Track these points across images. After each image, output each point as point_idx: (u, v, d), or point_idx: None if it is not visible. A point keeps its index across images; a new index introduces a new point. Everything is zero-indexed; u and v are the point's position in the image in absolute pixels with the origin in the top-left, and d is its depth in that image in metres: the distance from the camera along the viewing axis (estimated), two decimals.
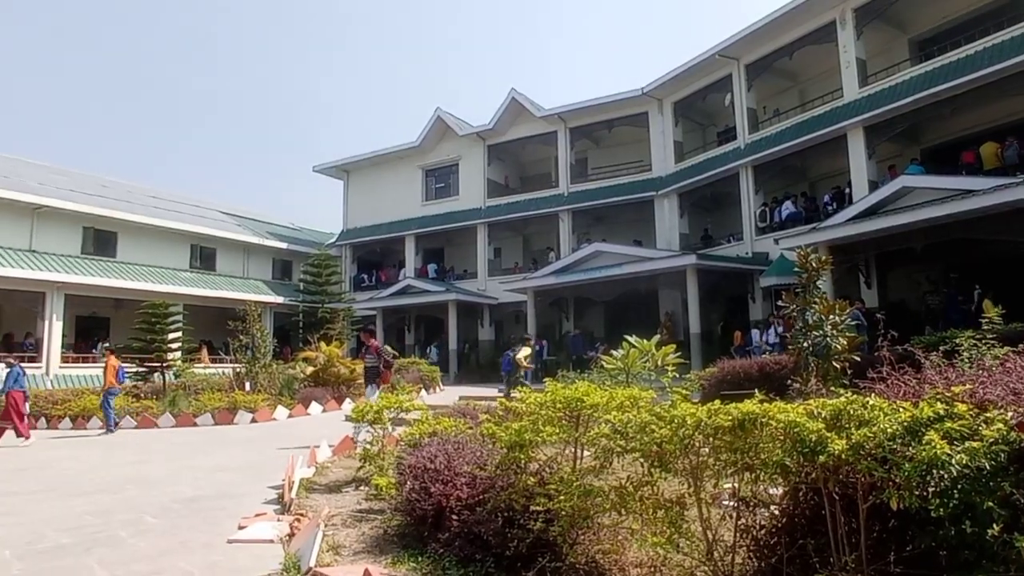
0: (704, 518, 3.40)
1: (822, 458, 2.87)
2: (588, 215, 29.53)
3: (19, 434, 12.81)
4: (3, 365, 14.04)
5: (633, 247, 24.39)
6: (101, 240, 29.78)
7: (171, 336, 20.26)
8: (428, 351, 27.57)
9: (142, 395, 17.89)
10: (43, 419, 16.25)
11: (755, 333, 19.82)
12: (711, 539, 3.38)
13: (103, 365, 15.25)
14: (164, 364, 19.49)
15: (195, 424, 14.27)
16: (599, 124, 29.21)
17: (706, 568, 3.41)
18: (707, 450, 3.40)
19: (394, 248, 35.39)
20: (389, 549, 4.71)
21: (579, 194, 29.28)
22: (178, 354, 20.10)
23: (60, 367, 26.05)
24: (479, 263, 31.87)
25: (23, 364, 15.57)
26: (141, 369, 20.39)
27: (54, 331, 26.25)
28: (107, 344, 17.06)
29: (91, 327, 29.99)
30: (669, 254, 23.21)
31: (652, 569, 3.70)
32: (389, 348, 18.36)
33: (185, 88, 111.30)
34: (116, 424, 14.44)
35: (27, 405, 13.36)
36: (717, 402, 3.45)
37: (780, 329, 18.02)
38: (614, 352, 8.42)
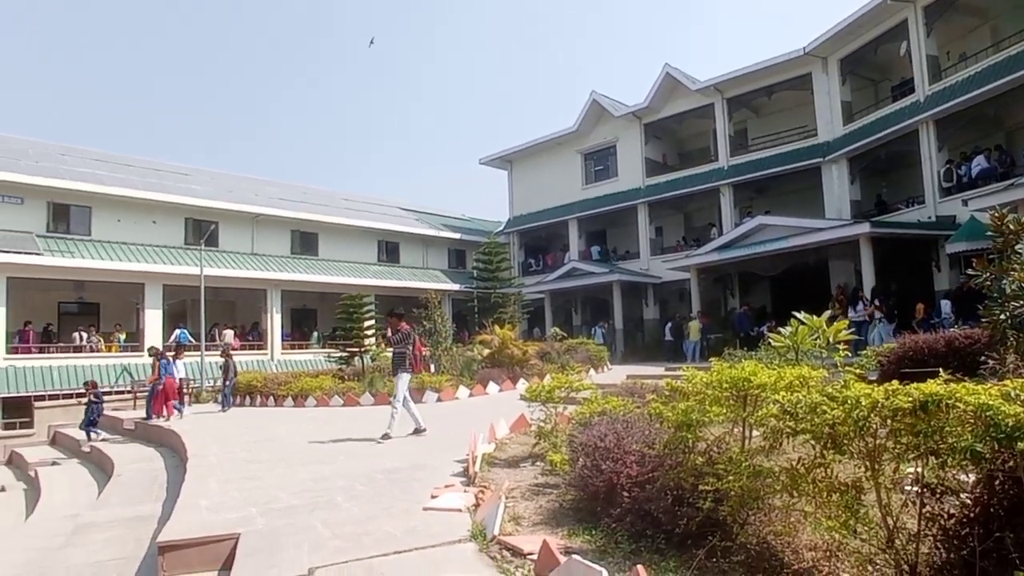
0: (883, 504, 3.16)
1: (1021, 445, 2.58)
2: (750, 188, 27.98)
3: (160, 414, 14.44)
4: (163, 359, 15.49)
5: (799, 218, 22.75)
6: (306, 241, 32.56)
7: (366, 324, 21.68)
8: (593, 332, 27.32)
9: (346, 377, 19.35)
10: (271, 398, 18.11)
11: (945, 304, 17.59)
12: (892, 526, 3.15)
13: (313, 348, 16.39)
14: (362, 349, 20.93)
15: (390, 403, 15.21)
16: (758, 91, 27.37)
17: (887, 556, 3.18)
18: (885, 432, 3.16)
19: (558, 232, 35.57)
20: (564, 522, 4.80)
21: (740, 166, 27.74)
22: (373, 340, 21.45)
23: (282, 353, 28.92)
24: (641, 243, 31.27)
25: (253, 351, 17.30)
26: (343, 354, 22.03)
27: (275, 322, 29.14)
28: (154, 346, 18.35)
29: (303, 318, 32.98)
30: (839, 223, 21.37)
31: (827, 554, 3.50)
32: (496, 338, 18.21)
33: (363, 98, 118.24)
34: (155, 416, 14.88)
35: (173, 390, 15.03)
36: (895, 382, 3.20)
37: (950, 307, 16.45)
38: (782, 329, 7.97)
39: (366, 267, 33.74)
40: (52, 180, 25.26)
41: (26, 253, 23.06)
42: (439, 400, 14.93)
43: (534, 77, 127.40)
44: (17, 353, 23.20)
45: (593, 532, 4.40)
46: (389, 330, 10.57)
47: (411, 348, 10.21)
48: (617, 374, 17.57)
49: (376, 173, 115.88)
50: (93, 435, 14.46)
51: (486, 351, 18.58)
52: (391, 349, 10.63)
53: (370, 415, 13.35)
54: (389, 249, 36.11)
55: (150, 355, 16.00)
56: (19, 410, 20.91)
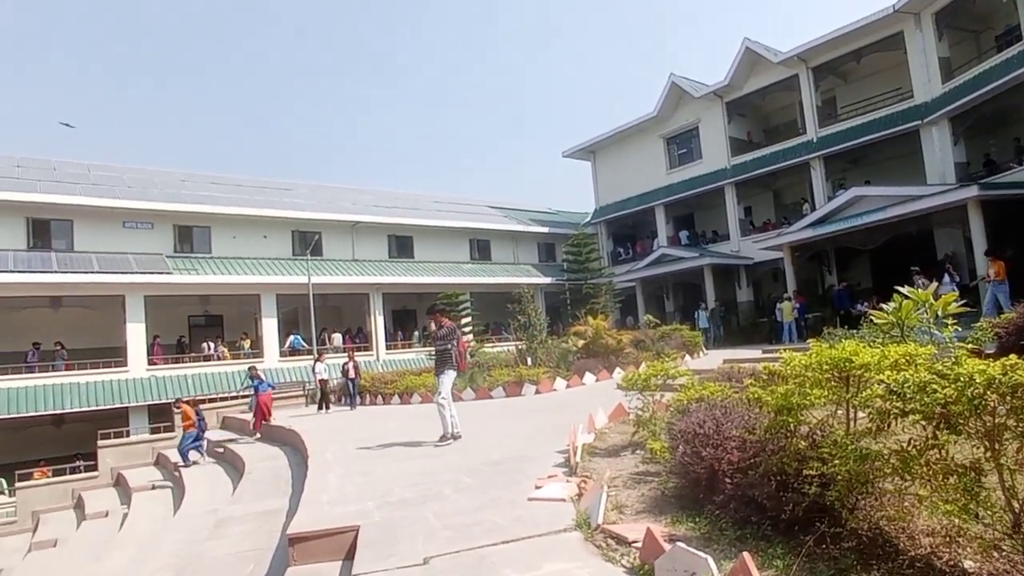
0: (1007, 486, 2.96)
1: None
2: (842, 159, 26.56)
3: (260, 428, 15.10)
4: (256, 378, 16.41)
5: (899, 186, 21.34)
6: (401, 244, 33.45)
7: (463, 321, 22.04)
8: (696, 315, 26.30)
9: None
10: (379, 396, 18.73)
11: None
12: (1018, 509, 2.94)
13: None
14: None
15: (490, 396, 15.42)
16: (845, 57, 25.77)
17: (1014, 542, 2.97)
18: (1004, 411, 2.95)
19: (645, 220, 34.98)
20: (667, 509, 4.73)
21: (830, 137, 26.31)
22: (471, 336, 21.77)
23: (386, 353, 29.86)
24: (730, 224, 30.31)
25: (359, 353, 17.98)
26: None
27: (378, 323, 30.12)
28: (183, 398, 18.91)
29: (403, 318, 33.92)
30: (943, 188, 19.82)
31: (947, 539, 3.30)
32: (589, 328, 17.86)
33: (454, 100, 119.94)
34: (187, 461, 15.02)
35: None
36: (1013, 356, 2.98)
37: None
38: (884, 305, 7.53)
39: (459, 266, 34.30)
40: (177, 205, 27.13)
41: (158, 273, 24.87)
42: (537, 392, 14.99)
43: (611, 68, 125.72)
44: (154, 365, 25.00)
45: (696, 519, 4.32)
46: (433, 325, 9.92)
47: (455, 344, 9.56)
48: (713, 359, 17.11)
49: (462, 174, 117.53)
50: (194, 455, 15.06)
51: (581, 342, 18.51)
52: (434, 347, 9.92)
53: (473, 409, 13.57)
54: (480, 247, 36.55)
55: (249, 376, 16.93)
56: (161, 415, 22.54)
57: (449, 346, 9.44)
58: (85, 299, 24.23)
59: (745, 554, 2.94)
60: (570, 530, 4.54)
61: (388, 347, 30.58)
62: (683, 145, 33.13)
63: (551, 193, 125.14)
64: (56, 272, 23.11)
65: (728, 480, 4.28)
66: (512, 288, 24.48)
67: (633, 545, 3.95)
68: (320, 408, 17.68)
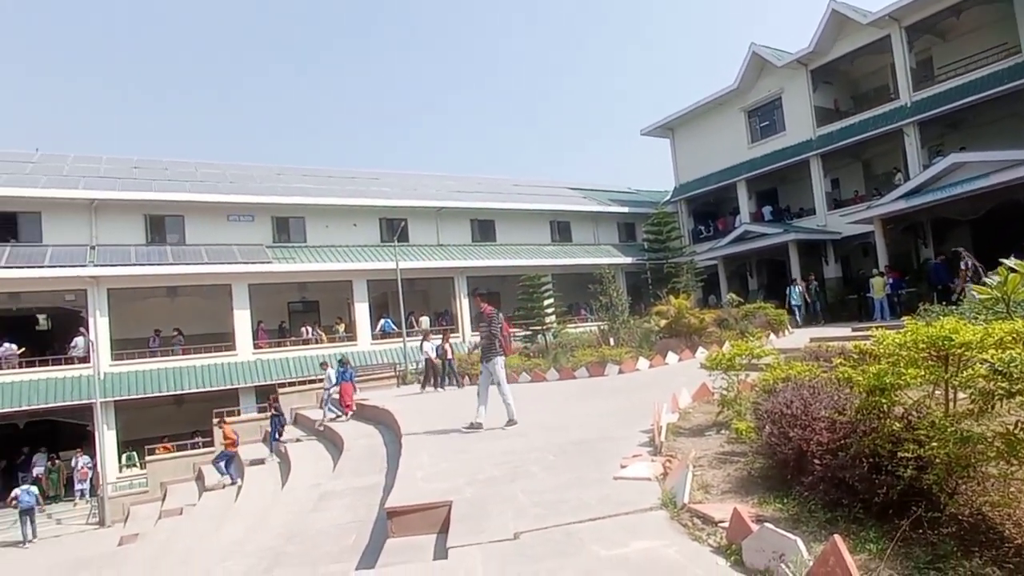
0: None
1: None
2: (939, 124, 24.79)
3: (347, 413, 15.58)
4: (336, 365, 16.80)
5: (1005, 151, 19.64)
6: (484, 228, 33.75)
7: (546, 303, 22.08)
8: (788, 292, 24.53)
9: (531, 354, 19.88)
10: (466, 377, 19.03)
11: None
12: None
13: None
14: (544, 327, 21.38)
15: (574, 377, 15.42)
16: (943, 12, 23.83)
17: None
18: None
19: (726, 196, 33.90)
20: (754, 490, 4.64)
21: (925, 101, 24.50)
22: (553, 318, 21.81)
23: (471, 335, 30.34)
24: (816, 198, 28.94)
25: (444, 335, 18.20)
26: (527, 332, 22.62)
27: (463, 306, 30.62)
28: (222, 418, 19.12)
29: (488, 301, 34.16)
30: None
31: None
32: (671, 308, 17.14)
33: (530, 87, 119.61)
34: (232, 480, 15.94)
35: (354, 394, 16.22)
36: None
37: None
38: (987, 279, 7.05)
39: (540, 248, 34.33)
40: (275, 198, 28.37)
41: (260, 262, 26.11)
42: (620, 372, 14.89)
43: (689, 44, 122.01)
44: (259, 349, 26.33)
45: (784, 500, 4.22)
46: (484, 310, 9.68)
47: (500, 330, 9.34)
48: (799, 338, 16.48)
49: (542, 158, 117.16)
50: (275, 445, 15.79)
51: (663, 322, 18.24)
52: (479, 333, 9.57)
53: (557, 389, 13.64)
54: (561, 229, 36.43)
55: (321, 367, 17.51)
56: (267, 396, 23.75)
57: (495, 331, 9.28)
58: (197, 288, 25.74)
59: (836, 536, 2.85)
60: (656, 509, 4.52)
61: (474, 329, 31.06)
62: (765, 117, 31.73)
63: (631, 173, 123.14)
64: (171, 264, 24.65)
65: (817, 461, 4.15)
66: (593, 269, 24.33)
67: (720, 525, 3.91)
68: (426, 387, 17.40)
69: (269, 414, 17.03)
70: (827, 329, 18.97)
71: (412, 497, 5.62)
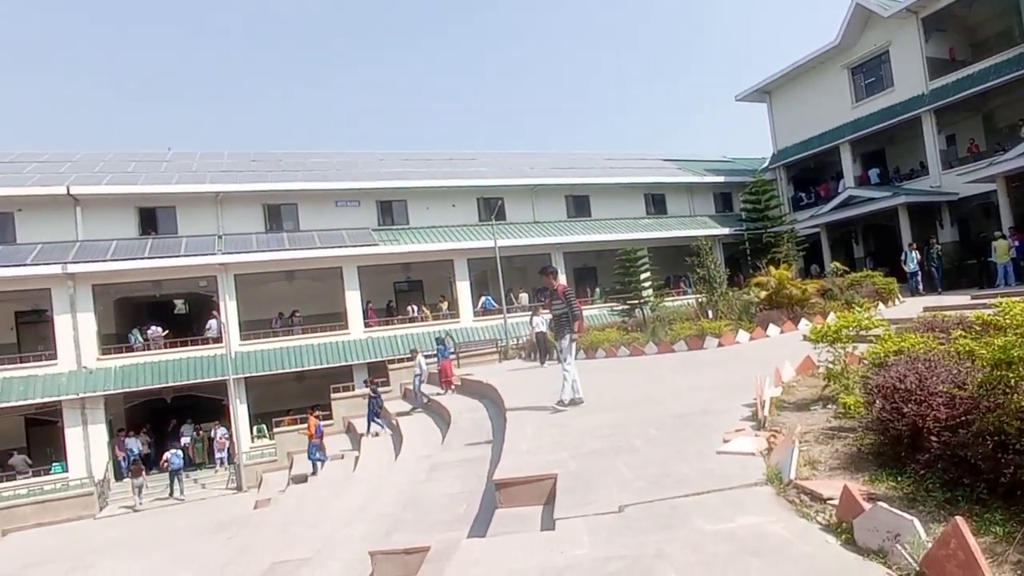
0: None
1: None
2: None
3: (444, 388, 16.03)
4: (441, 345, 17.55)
5: None
6: (578, 204, 33.57)
7: (643, 276, 21.75)
8: (904, 257, 22.61)
9: (629, 328, 19.69)
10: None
11: None
12: None
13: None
14: (641, 301, 21.09)
15: (672, 350, 15.13)
16: None
17: None
18: None
19: (828, 160, 31.93)
20: (864, 467, 4.44)
21: None
22: (650, 291, 21.47)
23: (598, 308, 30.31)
24: (929, 157, 26.73)
25: (544, 311, 18.22)
26: (624, 306, 22.39)
27: (561, 281, 30.56)
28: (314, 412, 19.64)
29: (584, 276, 34.19)
30: None
31: None
32: (771, 278, 16.11)
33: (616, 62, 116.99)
34: (322, 460, 17.21)
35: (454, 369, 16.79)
36: None
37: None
38: None
39: (636, 222, 33.78)
40: (378, 183, 29.34)
41: (367, 245, 27.13)
42: (719, 345, 14.48)
43: (783, 6, 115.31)
44: (370, 327, 27.44)
45: (898, 478, 4.01)
46: (555, 287, 9.20)
47: (572, 306, 8.91)
48: (910, 307, 15.41)
49: (636, 130, 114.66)
50: (374, 427, 16.53)
51: (763, 293, 17.54)
52: (551, 310, 9.14)
53: (655, 363, 13.45)
54: (656, 201, 35.66)
55: (411, 354, 18.08)
56: (378, 371, 24.79)
57: (566, 309, 8.88)
58: (311, 272, 27.11)
59: (958, 518, 2.70)
60: (761, 484, 4.41)
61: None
62: (870, 74, 29.41)
63: (726, 142, 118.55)
64: (288, 250, 26.06)
65: (934, 438, 3.92)
66: (689, 241, 23.72)
67: (828, 502, 3.78)
68: (545, 361, 17.03)
69: (367, 397, 17.83)
70: (943, 298, 17.66)
71: (518, 469, 5.73)
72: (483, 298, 29.70)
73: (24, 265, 22.76)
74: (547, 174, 33.65)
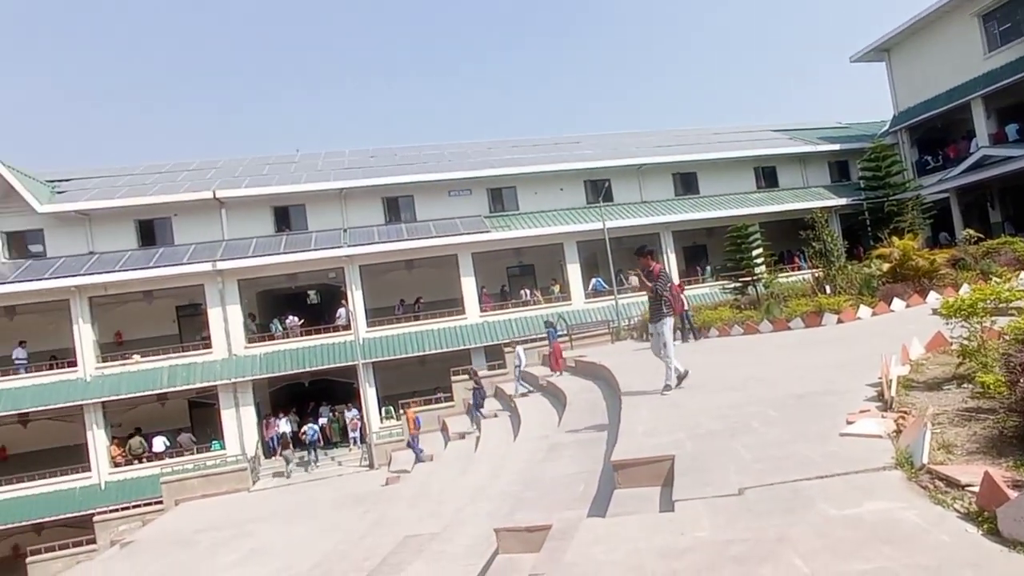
0: None
1: None
2: None
3: (554, 370, 16.03)
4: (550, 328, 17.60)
5: None
6: (686, 181, 32.67)
7: (754, 253, 20.88)
8: None
9: (742, 306, 18.99)
10: (677, 332, 18.70)
11: None
12: None
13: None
14: (754, 278, 20.27)
15: (788, 328, 14.48)
16: None
17: None
18: None
19: (957, 119, 28.98)
20: (1007, 451, 4.09)
21: None
22: (763, 268, 20.59)
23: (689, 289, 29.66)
24: None
25: (679, 287, 17.70)
26: (736, 284, 21.59)
27: (671, 261, 30.03)
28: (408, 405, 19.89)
29: (694, 254, 33.25)
30: None
31: None
32: (895, 250, 14.82)
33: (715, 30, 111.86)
34: (422, 451, 18.00)
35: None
36: None
37: None
38: None
39: (746, 196, 32.34)
40: (488, 171, 29.79)
41: (480, 232, 27.68)
42: (839, 322, 13.69)
43: None
44: (485, 312, 28.03)
45: None
46: (652, 269, 8.71)
47: (668, 289, 8.55)
48: None
49: (743, 103, 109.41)
50: (477, 416, 17.05)
51: (885, 265, 16.36)
52: (649, 292, 8.72)
53: (771, 341, 12.96)
54: (766, 174, 33.93)
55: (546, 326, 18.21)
56: (494, 354, 25.37)
57: (664, 292, 8.52)
58: (428, 259, 28.01)
59: None
60: (890, 468, 4.18)
61: (681, 284, 30.32)
62: (1005, 19, 26.17)
63: (839, 107, 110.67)
64: (407, 240, 27.07)
65: None
66: (803, 214, 22.47)
67: (967, 489, 3.53)
68: (646, 339, 16.23)
69: (471, 387, 18.36)
70: None
71: (635, 450, 5.73)
72: (593, 280, 29.56)
73: (182, 264, 25.05)
74: (653, 152, 32.86)
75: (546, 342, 18.56)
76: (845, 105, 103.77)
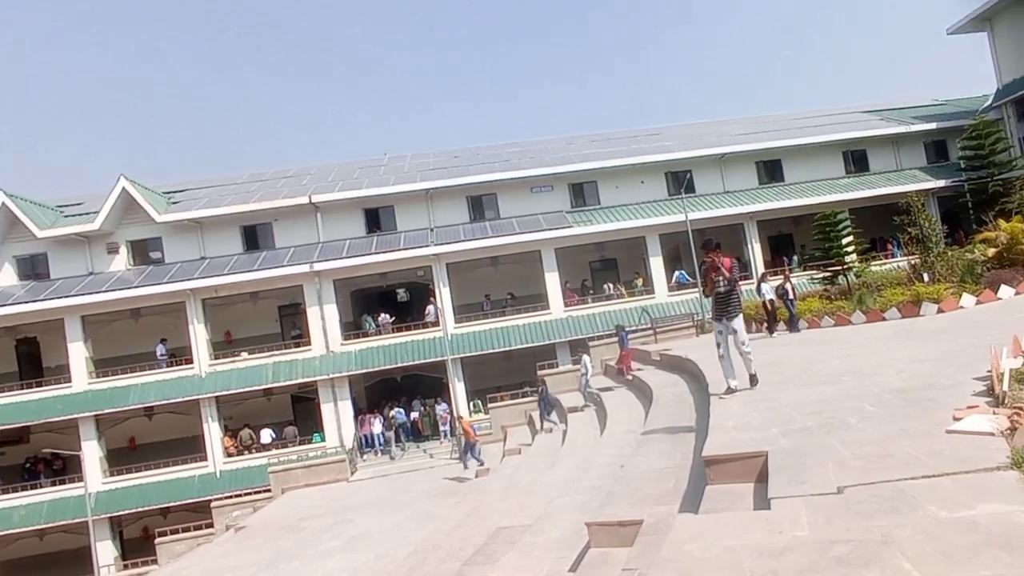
0: None
1: None
2: None
3: (625, 373, 15.76)
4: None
5: None
6: (770, 169, 31.50)
7: (844, 241, 19.90)
8: None
9: (832, 297, 18.12)
10: (764, 324, 18.02)
11: None
12: None
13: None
14: (844, 267, 19.31)
15: (883, 319, 13.73)
16: None
17: None
18: None
19: None
20: None
21: None
22: (854, 256, 19.58)
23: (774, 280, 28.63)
24: None
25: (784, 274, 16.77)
26: (826, 274, 20.62)
27: (755, 252, 29.06)
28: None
29: (780, 244, 31.99)
30: None
31: None
32: (1002, 233, 13.30)
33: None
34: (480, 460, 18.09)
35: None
36: None
37: None
38: None
39: (834, 182, 30.79)
40: (569, 166, 29.76)
41: (562, 228, 27.68)
42: (939, 311, 12.86)
43: None
44: (569, 306, 27.97)
45: None
46: (716, 263, 8.01)
47: (736, 284, 7.97)
48: None
49: (833, 83, 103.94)
50: (547, 423, 17.15)
51: (991, 251, 15.21)
52: (717, 289, 8.02)
53: (864, 333, 12.33)
54: (855, 158, 32.15)
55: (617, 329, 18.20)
56: (577, 349, 25.32)
57: (733, 287, 7.93)
58: (512, 256, 28.26)
59: None
60: (1005, 468, 3.89)
61: (767, 275, 29.22)
62: None
63: (935, 84, 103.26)
64: (491, 237, 27.44)
65: None
66: (897, 198, 21.24)
67: None
68: (773, 331, 15.89)
69: (537, 397, 18.42)
70: None
71: (727, 446, 5.59)
72: (676, 273, 28.96)
73: (283, 266, 26.38)
74: (735, 141, 31.80)
75: (579, 371, 18.65)
76: (941, 81, 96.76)
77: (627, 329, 17.81)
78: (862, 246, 23.13)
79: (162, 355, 26.55)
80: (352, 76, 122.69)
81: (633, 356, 16.68)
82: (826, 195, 28.86)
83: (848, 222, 21.96)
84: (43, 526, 24.18)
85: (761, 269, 28.83)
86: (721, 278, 7.83)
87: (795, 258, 30.08)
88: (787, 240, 31.95)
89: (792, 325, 15.85)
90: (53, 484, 25.21)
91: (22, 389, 25.84)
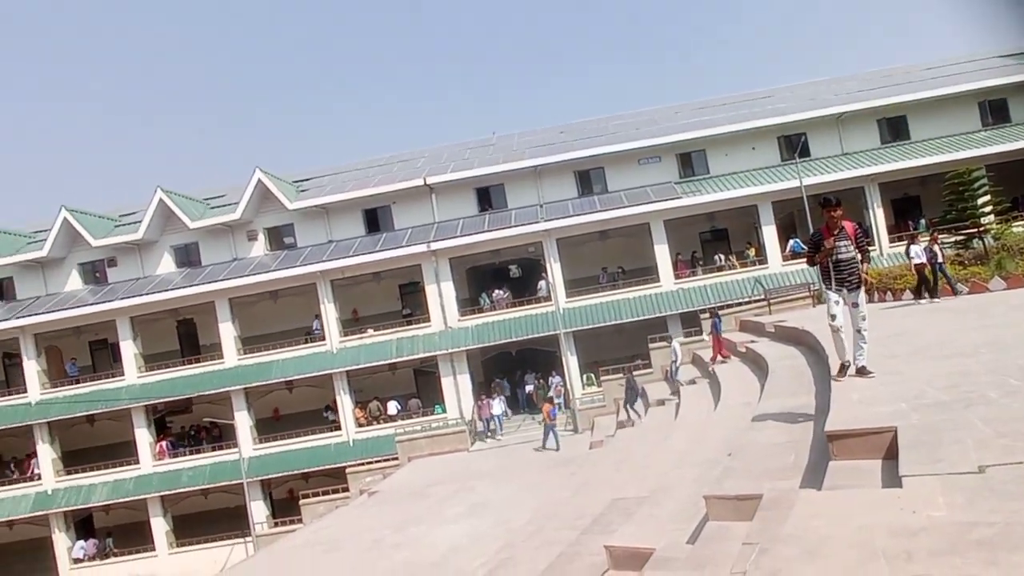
0: None
1: None
2: None
3: (716, 359, 15.34)
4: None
5: None
6: (893, 127, 28.98)
7: (980, 201, 18.02)
8: None
9: (966, 262, 16.47)
10: (888, 292, 16.86)
11: None
12: None
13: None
14: (980, 229, 17.51)
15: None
16: None
17: None
18: None
19: None
20: None
21: None
22: (991, 217, 17.67)
23: (889, 247, 26.59)
24: None
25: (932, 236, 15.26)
26: (958, 238, 18.82)
27: (878, 217, 27.01)
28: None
29: (905, 207, 29.41)
30: None
31: None
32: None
33: None
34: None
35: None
36: None
37: None
38: None
39: (968, 137, 27.71)
40: (676, 136, 28.71)
41: (671, 199, 26.92)
42: None
43: None
44: (679, 279, 27.28)
45: None
46: (838, 222, 6.90)
47: (858, 251, 6.80)
48: None
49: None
50: (632, 414, 17.24)
51: None
52: (837, 255, 6.87)
53: (1005, 301, 11.20)
54: (993, 109, 28.59)
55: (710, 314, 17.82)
56: (688, 321, 24.74)
57: (854, 255, 6.81)
58: (621, 229, 27.83)
59: None
60: None
61: (892, 239, 27.03)
62: None
63: None
64: (599, 211, 27.13)
65: None
66: None
67: None
68: (922, 297, 14.43)
69: (624, 385, 18.27)
70: None
71: (851, 421, 5.33)
72: (791, 241, 27.40)
73: (402, 247, 27.47)
74: (853, 98, 29.33)
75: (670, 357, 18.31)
76: None
77: (720, 315, 17.20)
78: (1002, 206, 20.76)
79: (316, 330, 28.28)
80: (456, 59, 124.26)
81: (723, 345, 16.09)
82: (959, 152, 26.05)
83: (985, 180, 19.78)
84: (206, 486, 26.99)
85: (884, 234, 26.80)
86: (843, 243, 6.84)
87: (922, 221, 27.50)
88: (913, 202, 29.24)
89: (933, 292, 14.23)
90: (213, 449, 28.00)
91: (183, 365, 28.71)
